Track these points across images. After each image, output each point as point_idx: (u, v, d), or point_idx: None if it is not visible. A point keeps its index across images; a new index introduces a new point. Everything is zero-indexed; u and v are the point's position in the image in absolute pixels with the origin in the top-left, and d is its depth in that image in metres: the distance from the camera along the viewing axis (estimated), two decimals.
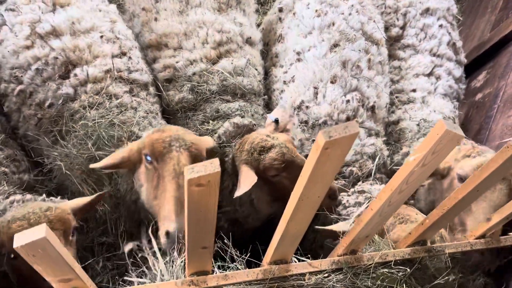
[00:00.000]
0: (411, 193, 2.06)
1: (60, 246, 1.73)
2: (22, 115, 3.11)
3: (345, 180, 3.51)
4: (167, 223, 2.44)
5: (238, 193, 2.77)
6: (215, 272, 2.26)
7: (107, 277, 2.82)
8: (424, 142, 1.74)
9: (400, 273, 2.37)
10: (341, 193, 3.45)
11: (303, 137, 3.69)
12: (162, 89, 3.65)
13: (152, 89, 3.54)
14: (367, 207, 2.92)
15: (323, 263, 2.33)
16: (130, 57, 3.36)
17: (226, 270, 2.38)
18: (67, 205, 2.53)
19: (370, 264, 2.36)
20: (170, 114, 3.71)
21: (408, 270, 2.39)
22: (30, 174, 3.07)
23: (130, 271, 2.53)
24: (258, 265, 2.44)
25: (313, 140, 3.64)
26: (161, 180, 2.61)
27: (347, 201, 3.29)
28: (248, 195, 3.07)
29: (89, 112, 3.03)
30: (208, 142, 3.07)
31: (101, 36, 3.25)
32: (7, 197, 2.66)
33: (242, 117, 3.44)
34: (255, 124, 3.41)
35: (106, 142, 2.93)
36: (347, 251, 2.38)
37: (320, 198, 1.86)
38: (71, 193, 3.08)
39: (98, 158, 2.87)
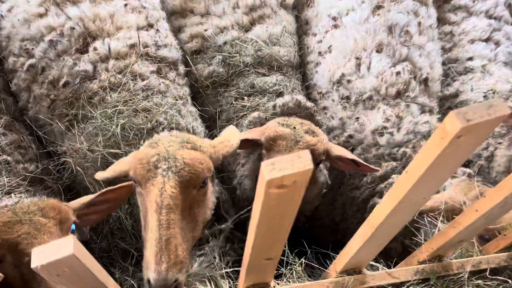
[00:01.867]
0: None
1: (92, 261, 1.35)
2: (33, 95, 2.73)
3: (396, 163, 3.08)
4: (148, 271, 1.92)
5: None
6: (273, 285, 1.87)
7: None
8: None
9: (500, 285, 1.95)
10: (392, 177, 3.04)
11: (345, 116, 3.34)
12: (190, 63, 3.21)
13: (181, 68, 3.14)
14: None
15: (404, 273, 1.92)
16: (157, 30, 2.95)
17: (283, 279, 2.00)
18: (65, 203, 2.18)
19: (461, 274, 1.95)
20: (198, 91, 3.32)
21: (510, 281, 1.97)
22: (38, 164, 2.66)
23: None
24: (312, 270, 2.06)
25: (357, 118, 3.21)
26: (148, 211, 2.08)
27: None
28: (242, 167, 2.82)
29: (110, 96, 2.64)
30: (227, 146, 2.46)
31: (125, 5, 2.83)
32: (7, 192, 2.27)
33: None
34: (316, 111, 3.08)
35: (120, 137, 2.54)
36: (432, 257, 1.97)
37: (425, 200, 1.44)
38: (83, 189, 2.73)
39: (109, 158, 2.51)
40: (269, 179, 1.11)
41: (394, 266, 2.11)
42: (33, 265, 1.25)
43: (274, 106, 3.01)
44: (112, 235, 2.67)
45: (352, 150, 3.21)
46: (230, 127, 2.78)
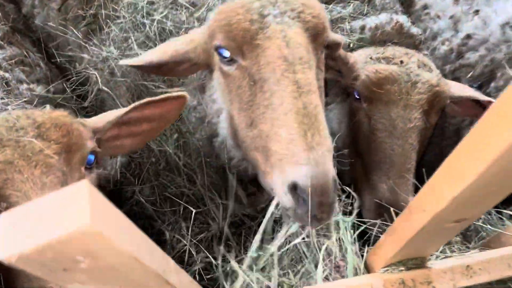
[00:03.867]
0: None
1: (136, 232, 0.60)
2: None
3: None
4: (291, 167, 1.19)
5: None
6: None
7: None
8: None
9: None
10: None
11: (458, 11, 2.54)
12: None
13: None
14: None
15: None
16: None
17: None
18: (79, 119, 1.45)
19: None
20: None
21: None
22: (48, 86, 1.95)
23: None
24: None
25: (476, 11, 2.48)
26: (258, 89, 1.35)
27: None
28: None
29: None
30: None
31: None
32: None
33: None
34: (422, 41, 2.35)
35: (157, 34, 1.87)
36: None
37: None
38: None
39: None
40: None
41: None
42: (2, 257, 0.52)
43: (363, 28, 2.30)
44: (157, 176, 1.95)
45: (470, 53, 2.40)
46: None
